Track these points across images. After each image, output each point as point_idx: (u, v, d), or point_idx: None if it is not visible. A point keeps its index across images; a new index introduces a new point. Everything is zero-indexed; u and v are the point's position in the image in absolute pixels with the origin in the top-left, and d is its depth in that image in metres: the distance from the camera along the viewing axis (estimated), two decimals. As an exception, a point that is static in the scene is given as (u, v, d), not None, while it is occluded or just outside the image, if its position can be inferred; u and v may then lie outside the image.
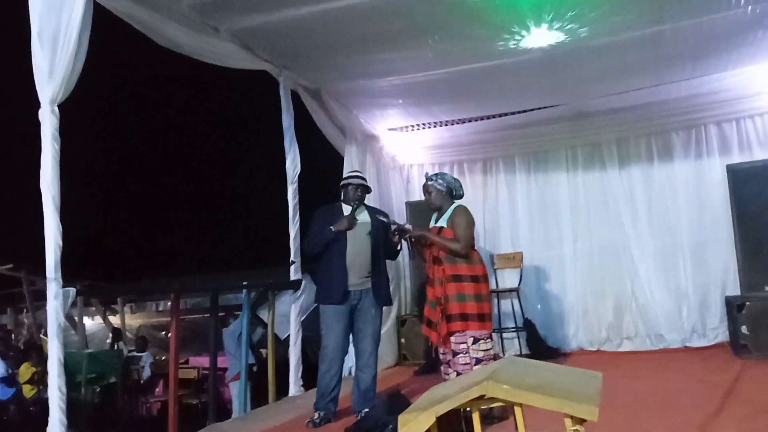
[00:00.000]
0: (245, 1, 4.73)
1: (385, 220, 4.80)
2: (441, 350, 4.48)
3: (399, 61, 5.82)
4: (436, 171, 8.16)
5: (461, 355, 4.28)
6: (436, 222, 4.61)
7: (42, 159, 3.64)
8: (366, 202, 4.90)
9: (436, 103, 7.15)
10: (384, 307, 4.90)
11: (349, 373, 5.85)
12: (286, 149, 5.95)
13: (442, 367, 4.51)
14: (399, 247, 4.80)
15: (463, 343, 4.29)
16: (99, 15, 3.83)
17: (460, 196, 4.65)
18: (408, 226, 4.61)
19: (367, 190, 4.84)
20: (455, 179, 4.69)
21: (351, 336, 4.76)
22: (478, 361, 4.22)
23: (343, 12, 4.76)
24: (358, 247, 4.64)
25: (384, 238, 4.73)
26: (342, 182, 4.83)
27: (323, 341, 4.66)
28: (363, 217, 4.74)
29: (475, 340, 4.27)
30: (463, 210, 4.50)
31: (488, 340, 4.34)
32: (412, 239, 4.62)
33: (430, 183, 4.61)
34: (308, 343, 6.82)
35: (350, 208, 4.71)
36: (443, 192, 4.57)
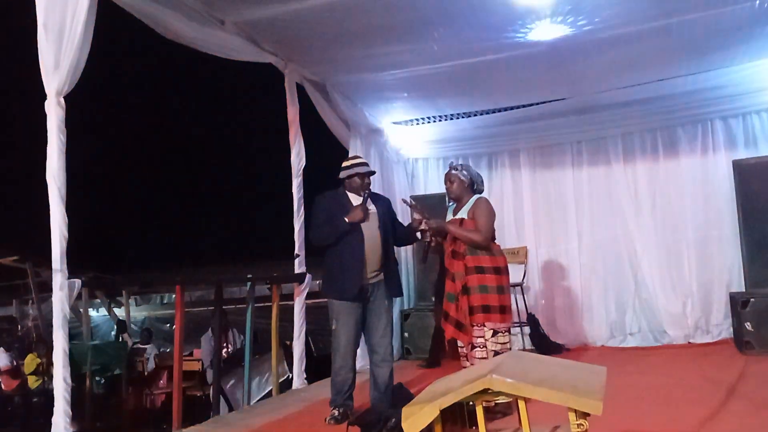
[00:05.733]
0: (250, -6, 4.73)
1: (409, 203, 4.66)
2: (459, 343, 4.46)
3: (404, 54, 5.81)
4: (443, 164, 8.29)
5: (479, 348, 4.26)
6: (454, 214, 4.56)
7: (48, 150, 3.65)
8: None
9: (441, 96, 7.15)
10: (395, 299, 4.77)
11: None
12: (291, 142, 5.94)
13: (461, 360, 4.49)
14: (420, 237, 4.68)
15: (481, 336, 4.26)
16: (104, 6, 3.82)
17: (481, 191, 4.61)
18: (425, 220, 4.49)
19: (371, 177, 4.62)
20: (478, 174, 4.65)
21: (363, 330, 4.56)
22: (496, 354, 4.12)
23: (348, 5, 4.76)
24: (372, 239, 4.42)
25: (392, 226, 4.58)
26: (347, 171, 4.53)
27: (334, 336, 4.47)
28: (371, 207, 4.49)
29: (494, 333, 4.24)
30: (485, 202, 4.47)
31: (506, 333, 4.30)
32: (431, 232, 4.52)
33: (454, 172, 4.56)
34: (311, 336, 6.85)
35: (359, 197, 4.47)
36: (465, 183, 4.53)
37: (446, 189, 4.66)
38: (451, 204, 4.71)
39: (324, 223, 4.50)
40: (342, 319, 4.45)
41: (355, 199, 4.51)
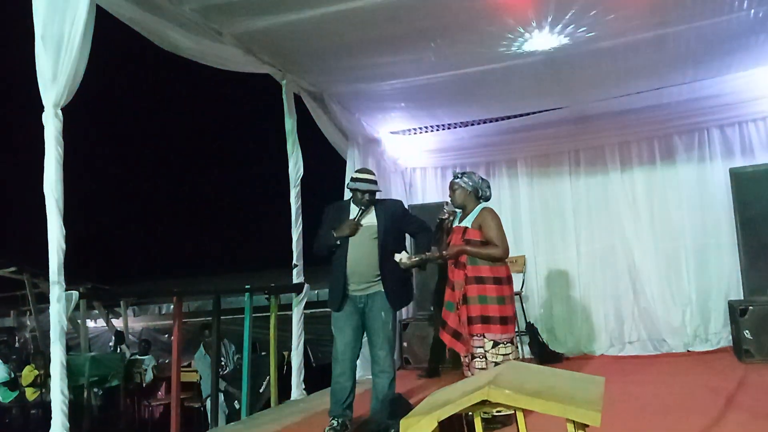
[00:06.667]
0: (248, 5, 4.73)
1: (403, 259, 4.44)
2: (463, 352, 4.43)
3: (401, 64, 5.83)
4: (441, 174, 8.31)
5: (479, 359, 4.24)
6: (459, 222, 4.56)
7: (45, 162, 3.65)
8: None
9: (438, 106, 7.16)
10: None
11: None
12: (289, 152, 5.95)
13: (464, 369, 4.46)
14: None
15: (480, 346, 4.24)
16: (102, 19, 3.83)
17: (487, 198, 4.59)
18: (430, 254, 4.49)
19: (374, 193, 4.57)
20: (483, 179, 4.62)
21: (366, 339, 4.62)
22: (497, 365, 4.09)
23: (345, 15, 4.76)
24: (361, 252, 4.45)
25: (394, 239, 4.53)
26: (351, 184, 4.56)
27: (333, 345, 4.55)
28: (369, 219, 4.51)
29: (495, 344, 4.21)
30: (490, 212, 4.44)
31: (508, 344, 4.26)
32: (444, 259, 4.52)
33: (456, 181, 4.57)
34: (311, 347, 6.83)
35: (357, 210, 4.51)
36: (468, 191, 4.52)
37: (449, 198, 4.65)
38: (447, 210, 4.70)
39: (323, 234, 4.60)
40: (338, 327, 4.52)
41: (356, 211, 4.54)
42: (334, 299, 4.52)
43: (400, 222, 4.61)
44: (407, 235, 4.82)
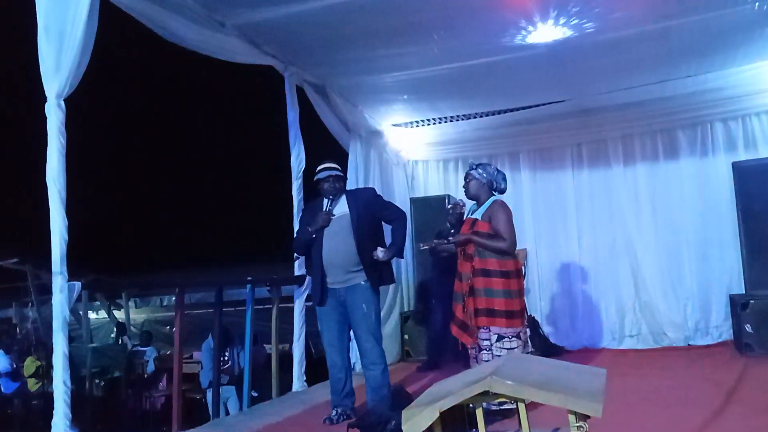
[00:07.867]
0: (251, -4, 4.73)
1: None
2: (470, 344, 4.42)
3: (404, 56, 5.81)
4: (443, 167, 8.31)
5: (485, 351, 4.23)
6: (471, 214, 4.54)
7: (48, 153, 3.65)
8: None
9: (441, 98, 7.15)
10: (387, 304, 4.79)
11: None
12: (291, 145, 5.94)
13: (471, 361, 4.43)
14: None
15: (486, 339, 4.22)
16: (105, 9, 3.83)
17: (502, 190, 4.53)
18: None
19: (339, 178, 4.61)
20: (499, 172, 4.54)
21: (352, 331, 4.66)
22: None
23: (348, 7, 4.76)
24: (336, 243, 4.44)
25: (369, 226, 4.52)
26: (314, 180, 4.61)
27: (322, 340, 4.63)
28: (341, 209, 4.51)
29: (500, 338, 4.18)
30: (501, 205, 4.39)
31: (514, 338, 4.21)
32: (452, 246, 4.57)
33: (471, 172, 4.51)
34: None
35: (327, 202, 4.53)
36: (482, 183, 4.46)
37: (463, 188, 4.63)
38: (455, 203, 4.73)
39: (299, 231, 4.69)
40: (323, 322, 4.59)
41: (326, 204, 4.55)
42: (315, 294, 4.54)
43: (373, 209, 4.59)
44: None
